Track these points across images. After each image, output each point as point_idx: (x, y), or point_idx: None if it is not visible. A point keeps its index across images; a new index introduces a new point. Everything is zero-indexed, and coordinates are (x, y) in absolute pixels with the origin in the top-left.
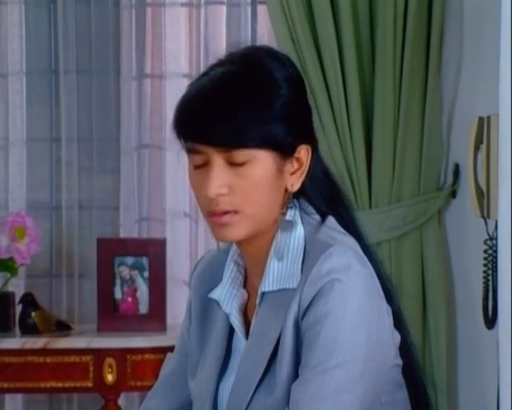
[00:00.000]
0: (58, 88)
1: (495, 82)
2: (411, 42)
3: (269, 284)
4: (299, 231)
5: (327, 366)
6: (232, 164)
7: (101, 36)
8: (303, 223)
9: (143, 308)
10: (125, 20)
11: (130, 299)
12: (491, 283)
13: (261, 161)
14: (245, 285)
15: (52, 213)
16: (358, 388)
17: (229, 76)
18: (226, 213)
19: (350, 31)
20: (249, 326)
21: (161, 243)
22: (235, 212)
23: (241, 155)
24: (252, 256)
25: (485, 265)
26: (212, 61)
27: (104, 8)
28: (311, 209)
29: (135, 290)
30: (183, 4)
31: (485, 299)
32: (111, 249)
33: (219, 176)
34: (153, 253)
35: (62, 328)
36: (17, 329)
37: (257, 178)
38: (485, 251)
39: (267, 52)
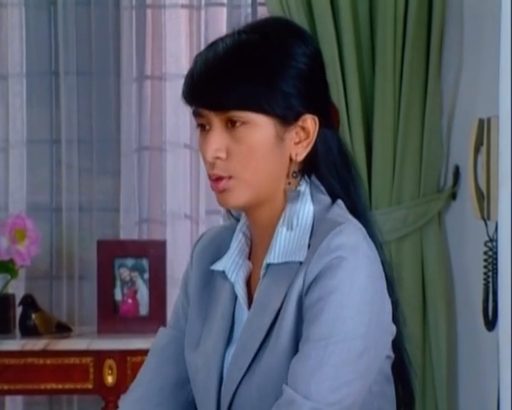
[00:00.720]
0: (58, 90)
1: (495, 84)
2: (411, 44)
3: (274, 255)
4: (309, 207)
5: (328, 341)
6: (230, 128)
7: (101, 37)
8: (313, 200)
9: (143, 310)
10: (125, 21)
11: (130, 301)
12: (491, 284)
13: (259, 127)
14: (249, 258)
15: (52, 214)
16: (358, 365)
17: (238, 44)
18: (221, 178)
19: (350, 33)
20: (252, 298)
21: (161, 245)
22: (230, 177)
23: (238, 116)
24: (259, 226)
25: (485, 267)
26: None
27: (104, 9)
28: (322, 189)
29: (135, 292)
30: (183, 6)
31: (486, 301)
32: (111, 251)
33: (217, 139)
34: (153, 254)
35: (62, 330)
36: (17, 331)
37: (255, 143)
38: (485, 253)
39: (285, 25)
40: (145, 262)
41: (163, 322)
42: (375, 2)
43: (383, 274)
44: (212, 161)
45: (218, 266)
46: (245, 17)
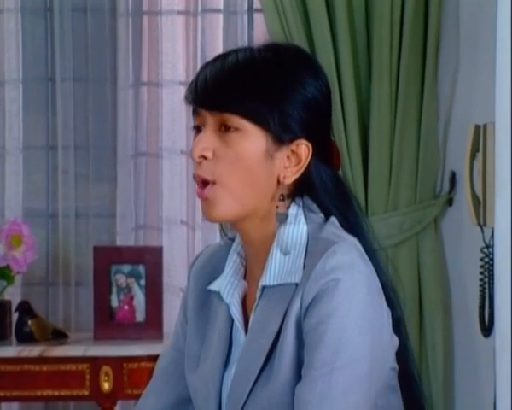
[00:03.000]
0: (55, 96)
1: (491, 90)
2: (408, 49)
3: (270, 278)
4: (303, 227)
5: (333, 367)
6: (223, 131)
7: (97, 44)
8: (306, 220)
9: (140, 316)
10: (121, 28)
11: (126, 307)
12: (487, 290)
13: (251, 137)
14: (245, 277)
15: (48, 221)
16: (364, 387)
17: (250, 56)
18: (205, 182)
19: (346, 38)
20: (248, 318)
21: (158, 251)
22: (214, 182)
23: (232, 120)
24: (252, 246)
25: (481, 273)
26: None
27: (101, 16)
28: (315, 207)
29: (131, 298)
30: (179, 12)
31: (482, 307)
32: (107, 257)
33: (207, 138)
34: (149, 261)
35: (59, 336)
36: (13, 337)
37: (243, 151)
38: (481, 259)
39: (303, 55)
40: (141, 268)
41: (159, 328)
42: (371, 7)
43: (380, 289)
44: (198, 160)
45: (214, 287)
46: (242, 25)
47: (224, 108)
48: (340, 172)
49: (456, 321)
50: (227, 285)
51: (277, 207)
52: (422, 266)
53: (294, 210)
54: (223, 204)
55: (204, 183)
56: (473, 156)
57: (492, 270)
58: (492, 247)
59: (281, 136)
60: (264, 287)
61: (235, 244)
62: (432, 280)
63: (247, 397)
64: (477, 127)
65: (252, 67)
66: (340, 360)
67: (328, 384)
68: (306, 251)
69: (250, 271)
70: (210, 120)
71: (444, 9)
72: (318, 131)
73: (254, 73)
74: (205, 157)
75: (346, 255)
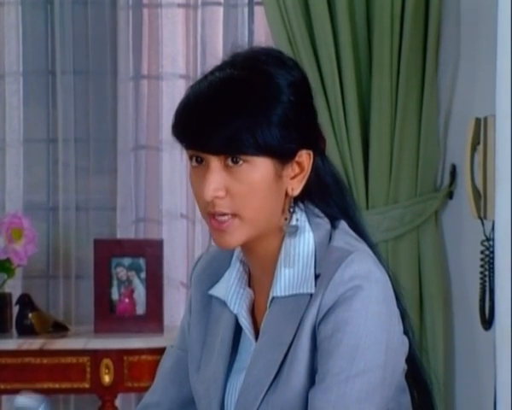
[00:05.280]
0: (55, 89)
1: (492, 83)
2: (408, 43)
3: (280, 289)
4: (308, 235)
5: (349, 374)
6: (229, 165)
7: (97, 37)
8: (311, 226)
9: (140, 309)
10: (121, 20)
11: (127, 300)
12: (488, 283)
13: (259, 166)
14: (249, 283)
15: (49, 213)
16: (378, 396)
17: (228, 82)
18: (225, 215)
19: (347, 32)
20: (256, 326)
21: (158, 244)
22: (234, 215)
23: (237, 157)
24: (258, 260)
25: (481, 266)
26: (210, 62)
27: (101, 8)
28: (318, 212)
29: (132, 291)
30: (179, 5)
31: (482, 300)
32: (108, 250)
33: (216, 179)
34: (150, 254)
35: (59, 329)
36: (14, 330)
37: (254, 182)
38: (481, 252)
39: (271, 55)
40: (142, 261)
41: (160, 321)
42: (371, 1)
43: (394, 296)
44: (211, 201)
45: (215, 292)
46: (242, 19)
47: (229, 152)
48: (341, 165)
49: (456, 314)
50: (233, 295)
51: (286, 219)
52: (423, 259)
53: (299, 217)
54: (240, 234)
55: (223, 215)
56: (473, 149)
57: (493, 263)
58: (493, 240)
59: (284, 155)
60: (274, 298)
61: (236, 252)
62: (432, 273)
63: (259, 406)
64: (477, 120)
65: (240, 97)
66: (356, 368)
67: (343, 392)
68: (315, 260)
69: (256, 278)
70: (213, 159)
71: (444, 2)
72: (311, 131)
73: (245, 107)
74: (217, 197)
75: (364, 264)
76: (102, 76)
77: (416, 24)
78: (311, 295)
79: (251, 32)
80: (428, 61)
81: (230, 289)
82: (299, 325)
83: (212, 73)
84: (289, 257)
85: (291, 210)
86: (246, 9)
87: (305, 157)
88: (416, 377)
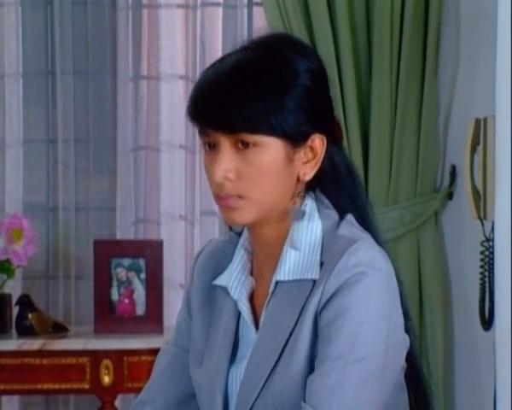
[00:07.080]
0: (55, 89)
1: (491, 83)
2: (408, 43)
3: (285, 273)
4: (317, 223)
5: (348, 359)
6: (240, 148)
7: (97, 37)
8: (320, 216)
9: (140, 310)
10: (121, 21)
11: (126, 300)
12: (487, 284)
13: (270, 148)
14: (251, 273)
15: (49, 214)
16: (377, 383)
17: (244, 63)
18: (231, 196)
19: (347, 32)
20: (256, 314)
21: (158, 245)
22: (240, 197)
23: (249, 137)
24: (264, 244)
25: (481, 266)
26: (209, 62)
27: (100, 9)
28: (328, 203)
29: (132, 292)
30: (179, 6)
31: (482, 300)
32: (107, 251)
33: (226, 160)
34: (150, 254)
35: (59, 330)
36: (14, 330)
37: (265, 164)
38: (481, 252)
39: (290, 41)
40: (142, 262)
41: (160, 322)
42: (371, 1)
43: (397, 287)
44: (221, 182)
45: (219, 281)
46: (241, 18)
47: (242, 130)
48: None
49: (456, 315)
50: (234, 281)
51: (294, 203)
52: (423, 260)
53: (308, 205)
54: (247, 212)
55: (230, 197)
56: (473, 150)
57: (493, 263)
58: (493, 240)
59: (296, 138)
60: (277, 282)
61: (242, 239)
62: (432, 274)
63: (260, 392)
64: (477, 121)
65: (254, 77)
66: (356, 354)
67: (341, 377)
68: (322, 247)
69: (258, 268)
70: (224, 140)
71: (444, 2)
72: (326, 117)
73: (258, 85)
74: (228, 178)
75: (368, 253)
76: (102, 77)
77: (416, 24)
78: (315, 281)
79: (250, 32)
80: (428, 61)
81: (232, 275)
82: (302, 311)
83: (229, 55)
84: (297, 240)
85: (301, 195)
86: (245, 10)
87: (318, 142)
88: (415, 380)
